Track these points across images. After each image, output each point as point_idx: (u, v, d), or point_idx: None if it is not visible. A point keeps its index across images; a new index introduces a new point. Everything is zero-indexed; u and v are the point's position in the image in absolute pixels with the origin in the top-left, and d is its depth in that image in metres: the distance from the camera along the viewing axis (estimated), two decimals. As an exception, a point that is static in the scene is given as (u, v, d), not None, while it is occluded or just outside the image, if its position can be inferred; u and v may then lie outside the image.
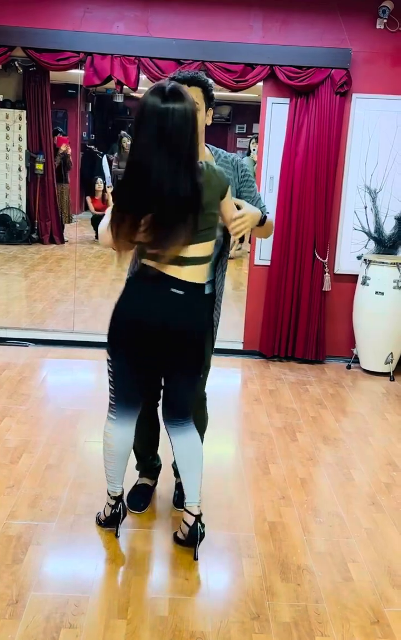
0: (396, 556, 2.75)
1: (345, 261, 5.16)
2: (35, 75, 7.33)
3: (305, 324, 5.11)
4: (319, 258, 5.04)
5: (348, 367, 5.18)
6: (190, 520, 2.64)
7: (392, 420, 4.20)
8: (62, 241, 8.14)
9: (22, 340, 5.21)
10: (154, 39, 4.75)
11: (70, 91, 7.20)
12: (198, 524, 2.62)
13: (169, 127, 2.24)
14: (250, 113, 6.22)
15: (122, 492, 2.78)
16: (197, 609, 2.36)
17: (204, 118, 2.66)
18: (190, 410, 2.71)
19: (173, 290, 2.44)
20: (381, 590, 2.53)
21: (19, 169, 7.78)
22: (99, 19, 4.79)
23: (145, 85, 4.99)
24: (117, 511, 2.75)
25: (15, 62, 6.53)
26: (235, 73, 4.75)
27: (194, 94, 2.60)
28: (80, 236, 8.66)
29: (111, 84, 4.89)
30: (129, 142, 8.81)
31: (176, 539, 2.73)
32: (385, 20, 4.77)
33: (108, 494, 2.76)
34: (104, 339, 5.63)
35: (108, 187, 8.81)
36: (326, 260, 5.06)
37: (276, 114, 4.95)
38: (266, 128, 4.99)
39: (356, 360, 5.17)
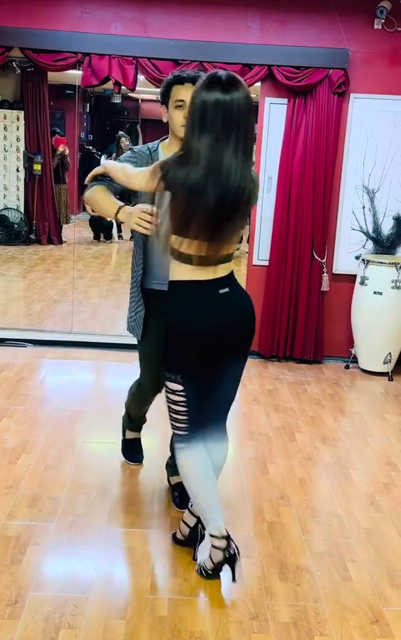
0: (395, 556, 2.75)
1: (343, 261, 5.16)
2: (33, 75, 7.34)
3: (303, 324, 5.11)
4: (317, 258, 5.04)
5: (347, 367, 5.18)
6: (192, 521, 2.63)
7: (391, 420, 4.20)
8: (60, 242, 8.15)
9: (21, 340, 5.20)
10: (152, 39, 4.75)
11: (68, 92, 7.22)
12: (200, 526, 2.61)
13: (235, 118, 2.13)
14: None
15: (227, 531, 2.45)
16: (196, 609, 2.36)
17: None
18: (228, 410, 2.65)
19: (221, 291, 2.38)
20: (380, 590, 2.53)
21: (17, 170, 7.79)
22: (97, 19, 4.79)
23: (142, 86, 4.99)
24: (232, 552, 2.42)
25: (13, 63, 6.55)
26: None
27: None
28: (78, 237, 8.66)
29: (109, 85, 4.89)
30: (127, 142, 8.84)
31: (175, 539, 2.72)
32: (383, 21, 4.78)
33: (212, 536, 2.43)
34: (102, 339, 5.59)
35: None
36: (324, 260, 5.06)
37: (274, 114, 4.95)
38: (264, 128, 4.99)
39: (355, 360, 5.17)
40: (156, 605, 2.35)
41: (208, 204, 2.19)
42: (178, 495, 3.02)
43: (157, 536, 2.80)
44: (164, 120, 2.84)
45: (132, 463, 3.38)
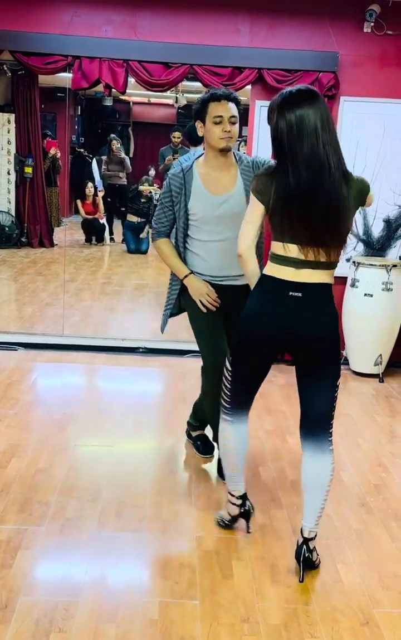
0: (386, 557, 2.76)
1: (334, 263, 5.17)
2: (23, 78, 7.33)
3: (294, 327, 5.11)
4: (308, 260, 5.05)
5: (338, 369, 5.18)
6: (299, 540, 2.60)
7: (381, 422, 4.21)
8: (52, 244, 8.13)
9: (11, 344, 5.19)
10: (142, 42, 4.76)
11: (59, 94, 7.20)
12: (305, 547, 2.56)
13: (324, 125, 2.31)
14: (239, 116, 6.24)
15: (245, 491, 2.84)
16: (187, 612, 2.36)
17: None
18: (328, 423, 2.65)
19: (292, 293, 2.46)
20: (370, 591, 2.53)
21: (8, 173, 7.77)
22: (87, 22, 4.79)
23: (133, 88, 5.00)
24: (247, 508, 2.83)
25: (4, 66, 6.54)
26: (223, 76, 4.77)
27: (232, 109, 2.99)
28: (69, 239, 8.66)
29: (100, 87, 4.89)
30: (119, 145, 8.84)
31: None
32: (372, 24, 4.80)
33: (231, 494, 2.82)
34: (94, 342, 5.58)
35: (100, 191, 8.82)
36: (315, 262, 5.06)
37: (264, 117, 4.91)
38: (254, 131, 5.01)
39: (346, 362, 5.18)
40: (147, 609, 2.35)
41: (312, 208, 2.33)
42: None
43: (148, 540, 2.79)
44: (200, 134, 3.07)
45: (205, 456, 3.55)
